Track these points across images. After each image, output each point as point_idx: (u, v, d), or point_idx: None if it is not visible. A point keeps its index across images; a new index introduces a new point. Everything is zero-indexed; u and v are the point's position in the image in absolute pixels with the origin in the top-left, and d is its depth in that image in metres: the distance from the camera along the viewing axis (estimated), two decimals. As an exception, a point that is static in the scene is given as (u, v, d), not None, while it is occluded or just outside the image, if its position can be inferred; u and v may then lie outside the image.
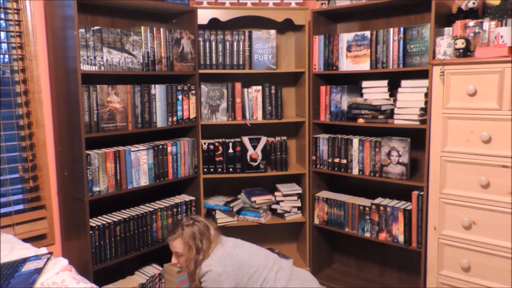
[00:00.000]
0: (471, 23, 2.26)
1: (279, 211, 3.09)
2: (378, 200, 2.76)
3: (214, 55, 2.91)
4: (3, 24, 2.34)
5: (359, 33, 2.75)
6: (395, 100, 2.65)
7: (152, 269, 2.75)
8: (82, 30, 2.23)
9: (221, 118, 2.95)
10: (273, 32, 2.96)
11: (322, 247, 3.18)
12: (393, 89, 2.69)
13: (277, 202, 3.09)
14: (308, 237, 3.07)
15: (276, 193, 3.09)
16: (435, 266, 2.34)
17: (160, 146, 2.66)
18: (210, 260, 2.10)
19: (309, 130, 3.01)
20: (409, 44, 2.55)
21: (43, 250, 1.97)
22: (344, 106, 2.86)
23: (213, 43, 2.90)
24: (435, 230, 2.33)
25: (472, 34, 2.25)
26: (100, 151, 2.37)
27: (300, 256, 3.20)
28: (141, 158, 2.54)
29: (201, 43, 2.88)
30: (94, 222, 2.39)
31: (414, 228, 2.57)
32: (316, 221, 3.03)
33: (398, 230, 2.63)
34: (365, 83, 2.78)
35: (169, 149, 2.71)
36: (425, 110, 2.50)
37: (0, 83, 2.33)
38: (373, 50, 2.70)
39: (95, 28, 2.30)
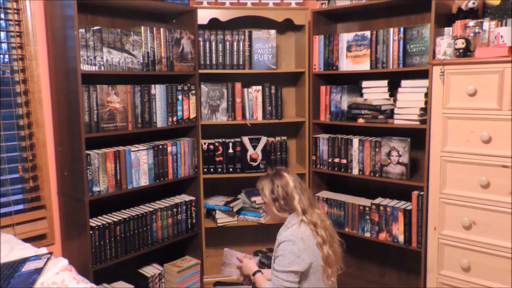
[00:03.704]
0: (471, 23, 2.26)
1: (279, 211, 3.08)
2: (378, 200, 2.76)
3: (214, 55, 2.91)
4: (3, 24, 2.34)
5: (359, 33, 2.75)
6: (395, 100, 2.65)
7: (152, 269, 2.76)
8: (82, 30, 2.23)
9: (221, 118, 2.95)
10: (273, 32, 2.96)
11: (322, 247, 3.18)
12: (393, 89, 2.69)
13: (277, 202, 3.08)
14: (308, 237, 3.07)
15: (276, 193, 3.09)
16: (435, 266, 2.34)
17: (160, 146, 2.66)
18: (295, 231, 1.90)
19: (309, 130, 3.01)
20: (409, 44, 2.55)
21: (43, 250, 1.97)
22: (344, 106, 2.86)
23: (213, 43, 2.90)
24: (435, 230, 2.33)
25: (472, 34, 2.25)
26: (100, 151, 2.37)
27: (300, 256, 3.19)
28: (141, 158, 2.54)
29: (201, 43, 2.88)
30: (94, 222, 2.39)
31: (414, 228, 2.57)
32: (316, 221, 3.02)
33: (398, 230, 2.63)
34: (365, 83, 2.78)
35: (169, 149, 2.71)
36: (425, 110, 2.50)
37: (0, 83, 2.33)
38: (373, 50, 2.70)
39: (95, 28, 2.30)
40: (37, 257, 1.83)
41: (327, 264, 1.92)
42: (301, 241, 1.87)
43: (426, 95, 2.48)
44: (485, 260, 2.17)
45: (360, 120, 2.76)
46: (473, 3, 2.33)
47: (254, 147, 2.98)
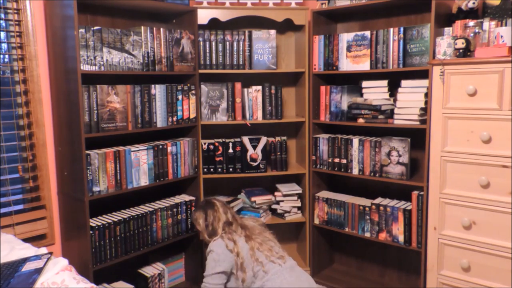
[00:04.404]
0: (471, 23, 2.26)
1: (279, 211, 3.09)
2: (378, 200, 2.76)
3: (214, 55, 2.91)
4: (3, 24, 2.34)
5: (359, 33, 2.75)
6: (395, 100, 2.65)
7: (152, 269, 2.76)
8: (82, 30, 2.23)
9: (221, 118, 2.95)
10: (273, 32, 2.96)
11: (322, 247, 3.18)
12: (393, 89, 2.69)
13: (277, 202, 3.09)
14: (308, 237, 3.07)
15: (276, 193, 3.09)
16: (435, 266, 2.34)
17: (160, 146, 2.66)
18: (214, 243, 2.32)
19: (309, 130, 3.01)
20: (409, 44, 2.55)
21: (43, 250, 1.97)
22: (344, 106, 2.86)
23: (213, 43, 2.90)
24: (435, 230, 2.33)
25: (472, 34, 2.25)
26: (100, 151, 2.37)
27: (300, 256, 3.20)
28: (141, 158, 2.54)
29: (201, 43, 2.88)
30: (94, 222, 2.39)
31: (414, 228, 2.57)
32: (316, 221, 3.03)
33: (398, 230, 2.63)
34: (365, 83, 2.78)
35: (169, 149, 2.71)
36: (425, 110, 2.50)
37: (0, 83, 2.33)
38: (373, 50, 2.70)
39: (95, 28, 2.30)
40: (37, 257, 1.83)
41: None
42: (219, 247, 2.28)
43: (426, 95, 2.48)
44: (485, 260, 2.17)
45: (360, 120, 2.76)
46: (473, 3, 2.33)
47: (254, 147, 2.98)
